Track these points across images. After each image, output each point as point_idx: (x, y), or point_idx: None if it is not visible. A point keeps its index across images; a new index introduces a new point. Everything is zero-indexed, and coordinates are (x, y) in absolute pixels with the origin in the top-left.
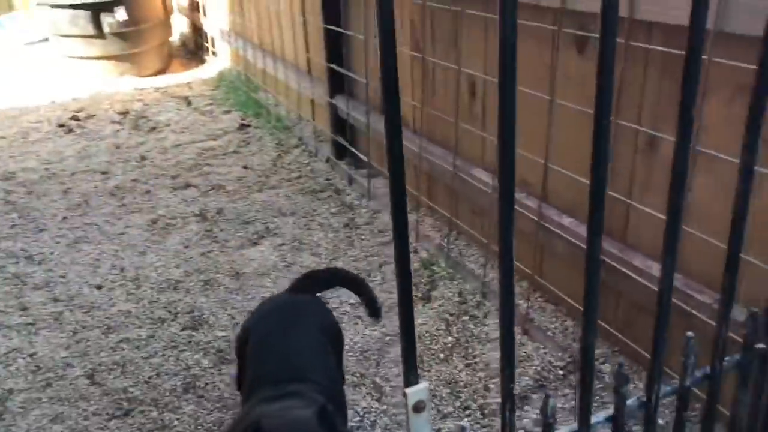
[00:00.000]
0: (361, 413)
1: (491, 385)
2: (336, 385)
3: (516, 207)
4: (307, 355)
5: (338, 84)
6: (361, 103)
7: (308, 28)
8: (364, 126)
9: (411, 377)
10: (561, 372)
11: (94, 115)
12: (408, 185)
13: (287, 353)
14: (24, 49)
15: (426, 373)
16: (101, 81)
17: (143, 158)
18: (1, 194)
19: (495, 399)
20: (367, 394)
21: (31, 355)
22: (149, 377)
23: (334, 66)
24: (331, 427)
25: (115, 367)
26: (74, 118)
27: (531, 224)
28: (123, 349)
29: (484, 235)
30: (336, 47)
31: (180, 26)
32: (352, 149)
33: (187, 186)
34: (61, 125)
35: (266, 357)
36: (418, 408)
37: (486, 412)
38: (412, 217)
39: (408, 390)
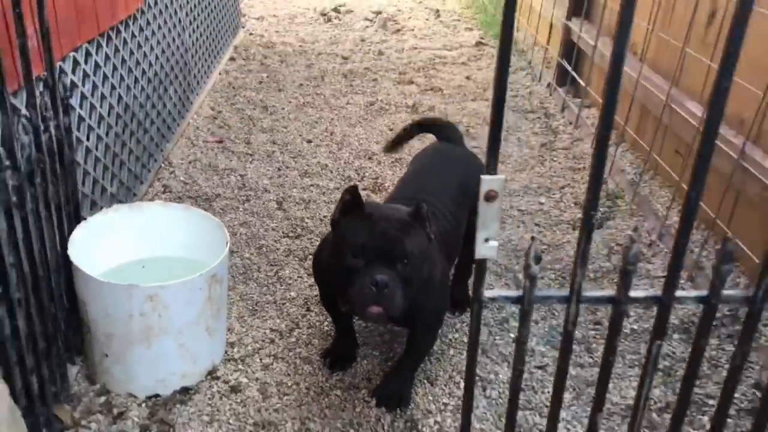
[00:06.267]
0: None
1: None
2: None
3: (718, 143)
4: (438, 193)
5: (578, 5)
6: (595, 26)
7: None
8: (591, 50)
9: (491, 168)
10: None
11: (351, 11)
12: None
13: (424, 188)
14: None
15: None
16: None
17: (380, 53)
18: (260, 57)
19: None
20: (504, 284)
21: (241, 176)
22: (323, 216)
23: None
24: (417, 218)
25: (301, 202)
26: (335, 10)
27: (729, 163)
28: (311, 191)
29: (682, 176)
30: None
31: None
32: (573, 73)
33: (410, 82)
34: (323, 14)
35: (407, 185)
36: (489, 196)
37: None
38: (611, 149)
39: (484, 177)
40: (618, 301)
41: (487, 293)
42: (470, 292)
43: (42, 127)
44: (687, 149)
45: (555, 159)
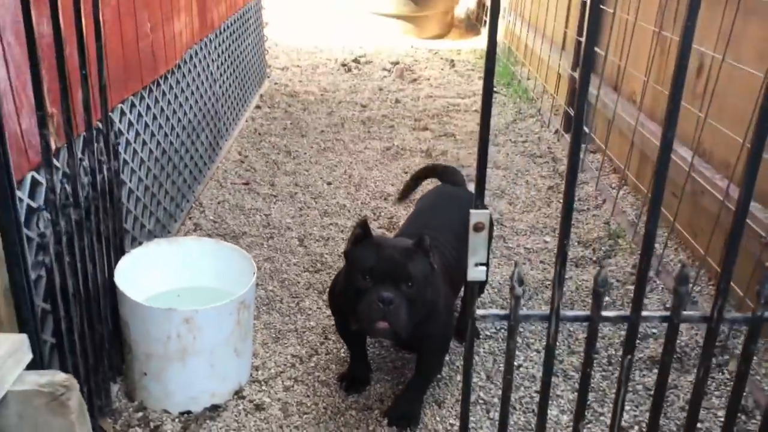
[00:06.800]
0: None
1: None
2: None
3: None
4: (442, 229)
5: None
6: (597, 77)
7: (572, 1)
8: (595, 99)
9: (479, 203)
10: None
11: (371, 62)
12: (619, 160)
13: (428, 224)
14: (340, 5)
15: None
16: (387, 36)
17: (397, 101)
18: (284, 105)
19: None
20: None
21: (266, 215)
22: (341, 252)
23: (581, 39)
24: (420, 247)
25: (321, 239)
26: (355, 61)
27: (716, 204)
28: (330, 229)
29: (679, 219)
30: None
31: (467, 1)
32: None
33: (425, 129)
34: (344, 65)
35: (413, 223)
36: (477, 228)
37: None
38: (613, 192)
39: (472, 211)
40: (592, 319)
41: (479, 311)
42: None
43: (97, 170)
44: (680, 192)
45: (561, 201)
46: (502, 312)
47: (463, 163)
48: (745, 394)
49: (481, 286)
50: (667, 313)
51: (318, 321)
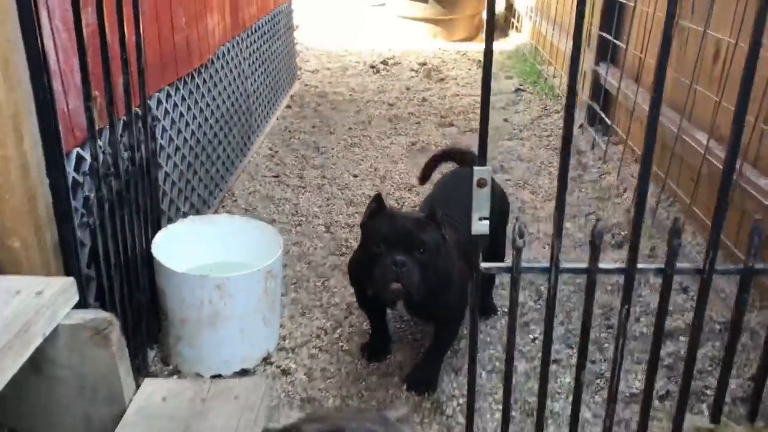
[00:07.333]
0: None
1: None
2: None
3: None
4: (457, 208)
5: (604, 51)
6: (619, 69)
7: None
8: (616, 92)
9: (481, 161)
10: None
11: (399, 63)
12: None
13: (444, 204)
14: (368, 9)
15: None
16: (415, 39)
17: (424, 100)
18: (313, 105)
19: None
20: (529, 296)
21: (294, 205)
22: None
23: (603, 33)
24: (432, 218)
25: (346, 226)
26: (383, 62)
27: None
28: (355, 217)
29: (697, 203)
30: (610, 15)
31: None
32: (602, 114)
33: (450, 125)
34: (372, 66)
35: (429, 203)
36: (480, 184)
37: None
38: (635, 181)
39: (475, 168)
40: (590, 270)
41: (483, 264)
42: (493, 301)
43: (136, 148)
44: (697, 175)
45: (583, 190)
46: (505, 264)
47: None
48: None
49: (498, 255)
50: (662, 266)
51: (342, 298)
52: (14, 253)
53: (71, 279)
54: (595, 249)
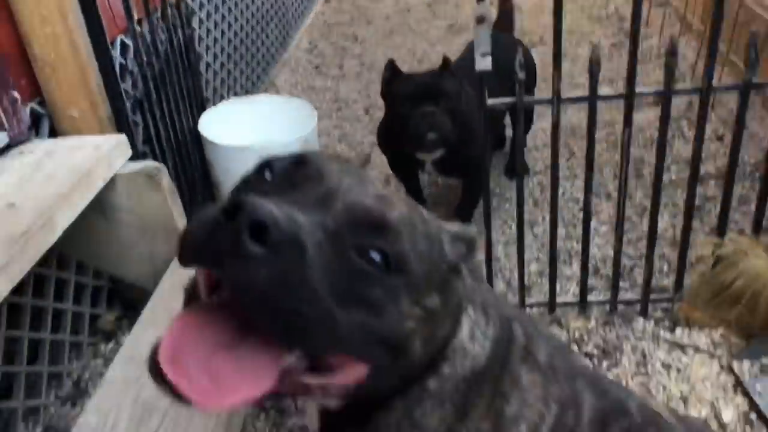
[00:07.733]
0: None
1: None
2: None
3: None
4: None
5: None
6: None
7: None
8: None
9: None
10: None
11: None
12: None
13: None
14: None
15: None
16: None
17: None
18: None
19: None
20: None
21: (335, 92)
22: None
23: None
24: (445, 68)
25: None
26: None
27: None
28: None
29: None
30: None
31: None
32: None
33: (491, 4)
34: None
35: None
36: (480, 20)
37: None
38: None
39: (476, 6)
40: (591, 98)
41: (489, 101)
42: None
43: (173, 32)
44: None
45: (623, 56)
46: (509, 99)
47: (526, 31)
48: None
49: (528, 123)
50: (661, 88)
51: (381, 170)
52: (74, 123)
53: (124, 136)
54: (594, 77)
